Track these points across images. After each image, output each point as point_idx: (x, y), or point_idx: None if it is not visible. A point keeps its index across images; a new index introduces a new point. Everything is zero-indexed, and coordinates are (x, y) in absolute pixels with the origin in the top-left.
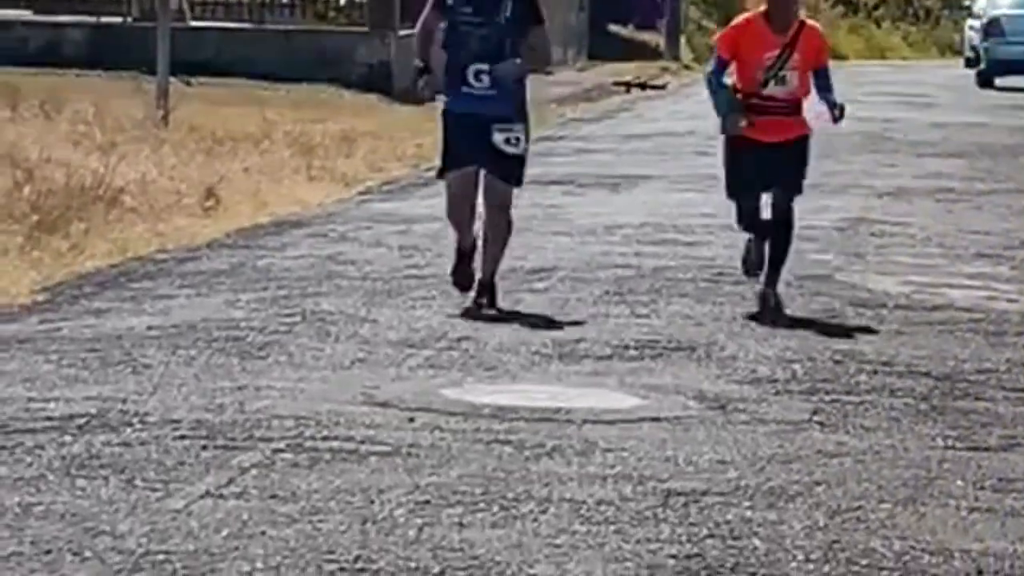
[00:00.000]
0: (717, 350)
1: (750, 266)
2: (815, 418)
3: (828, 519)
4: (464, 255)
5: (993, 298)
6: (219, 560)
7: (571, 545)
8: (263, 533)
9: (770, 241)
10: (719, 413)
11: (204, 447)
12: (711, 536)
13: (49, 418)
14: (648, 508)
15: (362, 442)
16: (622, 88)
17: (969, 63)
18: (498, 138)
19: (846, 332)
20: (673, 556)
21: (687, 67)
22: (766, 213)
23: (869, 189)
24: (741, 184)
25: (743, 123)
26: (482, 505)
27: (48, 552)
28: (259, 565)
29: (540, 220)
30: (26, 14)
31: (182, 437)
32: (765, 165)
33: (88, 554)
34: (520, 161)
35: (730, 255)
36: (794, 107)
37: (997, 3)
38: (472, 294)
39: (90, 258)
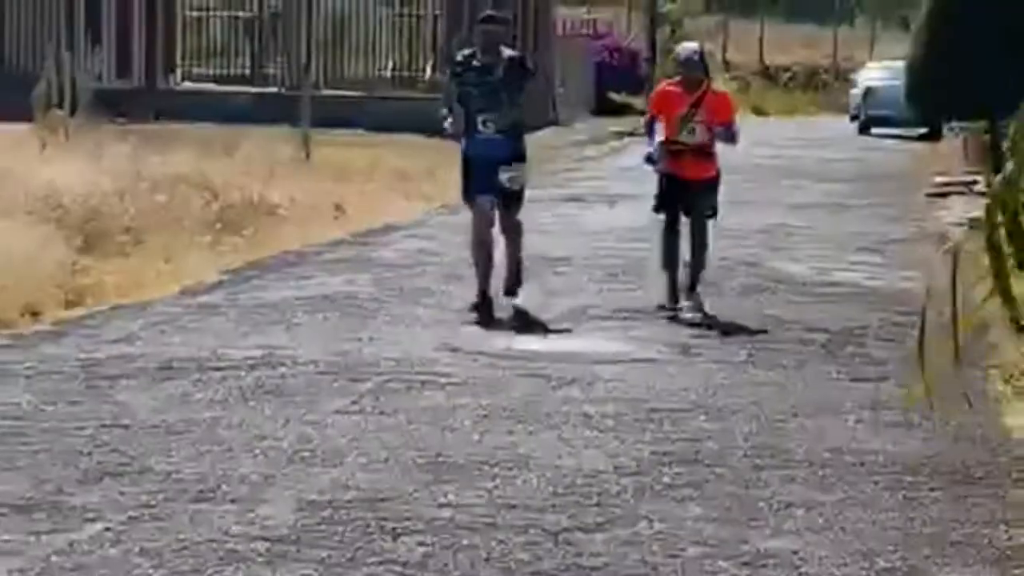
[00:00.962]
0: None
1: (672, 311)
2: (750, 359)
3: (759, 428)
4: (485, 297)
5: (869, 278)
6: (346, 455)
7: (583, 445)
8: (376, 437)
9: (691, 257)
10: (683, 356)
11: (334, 379)
12: (679, 440)
13: (231, 359)
14: (635, 420)
15: (440, 376)
16: (620, 134)
17: (853, 118)
18: (503, 177)
19: (770, 301)
20: (653, 452)
21: None
22: (684, 252)
23: (784, 204)
24: (664, 205)
25: (665, 162)
26: (523, 418)
27: (230, 450)
28: (373, 457)
29: (560, 225)
30: (211, 86)
31: (320, 372)
32: (683, 195)
33: (257, 451)
34: (520, 194)
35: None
36: (704, 153)
37: (871, 77)
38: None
39: (257, 251)
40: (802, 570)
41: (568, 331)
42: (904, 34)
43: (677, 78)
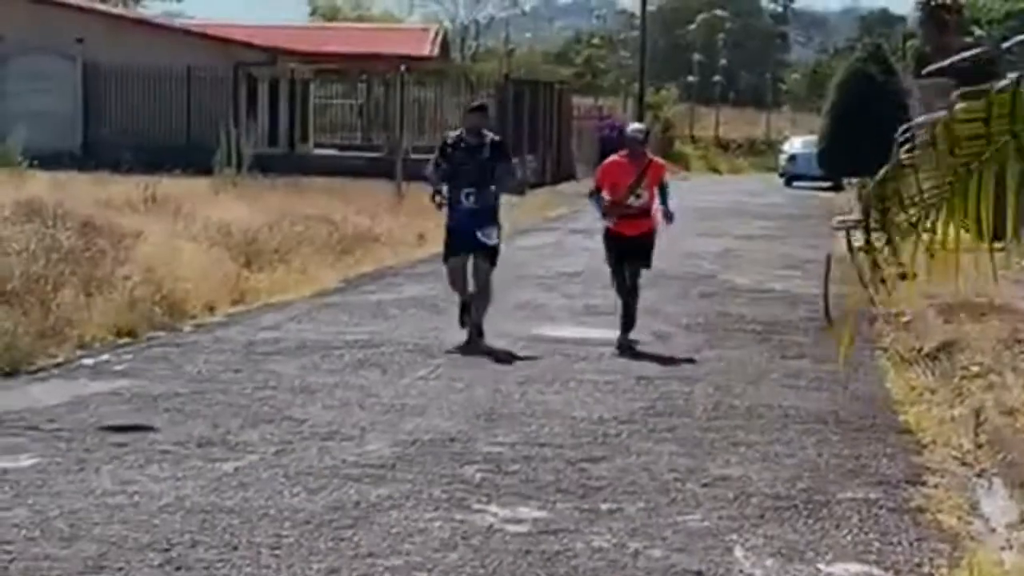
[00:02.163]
0: (661, 311)
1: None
2: (708, 343)
3: (715, 391)
4: (465, 305)
5: (792, 287)
6: (427, 408)
7: (593, 400)
8: (447, 395)
9: (622, 305)
10: (662, 341)
11: (419, 355)
12: (659, 399)
13: (345, 341)
14: (628, 385)
15: (491, 354)
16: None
17: (780, 176)
18: (479, 234)
19: (722, 302)
20: (640, 407)
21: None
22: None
23: (731, 235)
24: (612, 258)
25: (611, 222)
26: (550, 382)
27: (346, 404)
28: (445, 412)
29: (572, 248)
30: (334, 151)
31: (408, 351)
32: (625, 248)
33: (364, 405)
34: (495, 250)
35: (665, 267)
36: (644, 212)
37: (793, 147)
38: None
39: (364, 267)
40: (746, 489)
41: (581, 322)
42: (815, 117)
43: (625, 152)
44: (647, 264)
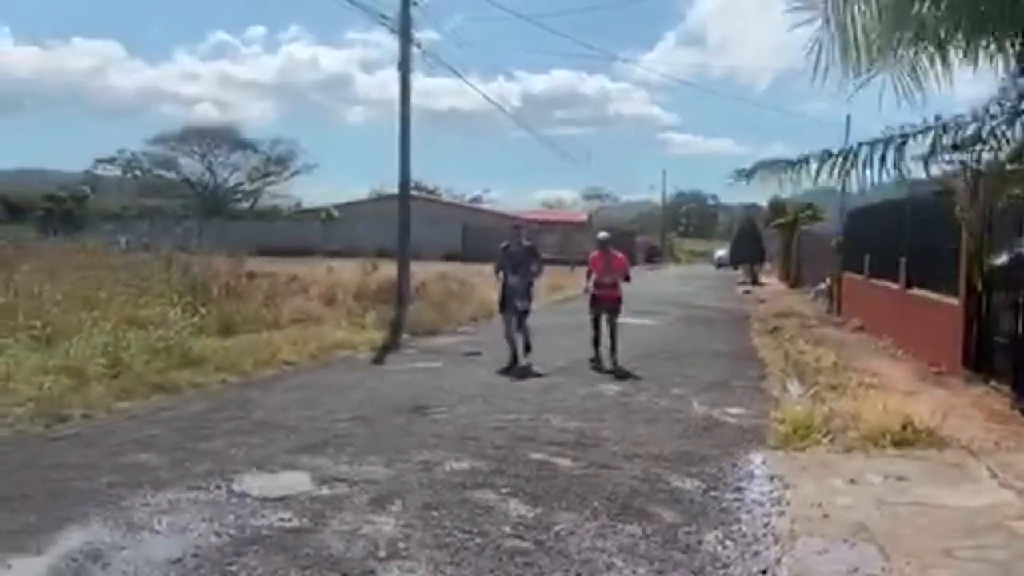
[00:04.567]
0: (667, 312)
1: (595, 365)
2: (685, 325)
3: (688, 343)
4: (514, 360)
5: (722, 305)
6: (502, 393)
7: (636, 343)
8: (518, 391)
9: (610, 341)
10: (666, 324)
11: (497, 364)
12: (662, 347)
13: (455, 351)
14: (652, 340)
15: (549, 366)
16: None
17: (715, 265)
18: (518, 303)
19: (689, 310)
20: (655, 349)
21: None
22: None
23: (685, 288)
24: (593, 313)
25: (594, 290)
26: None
27: (456, 385)
28: (514, 398)
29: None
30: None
31: (495, 358)
32: (602, 307)
33: (471, 384)
34: (526, 312)
35: (666, 298)
36: (614, 287)
37: (719, 252)
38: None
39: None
40: (698, 379)
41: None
42: (727, 241)
43: (598, 250)
44: (617, 314)
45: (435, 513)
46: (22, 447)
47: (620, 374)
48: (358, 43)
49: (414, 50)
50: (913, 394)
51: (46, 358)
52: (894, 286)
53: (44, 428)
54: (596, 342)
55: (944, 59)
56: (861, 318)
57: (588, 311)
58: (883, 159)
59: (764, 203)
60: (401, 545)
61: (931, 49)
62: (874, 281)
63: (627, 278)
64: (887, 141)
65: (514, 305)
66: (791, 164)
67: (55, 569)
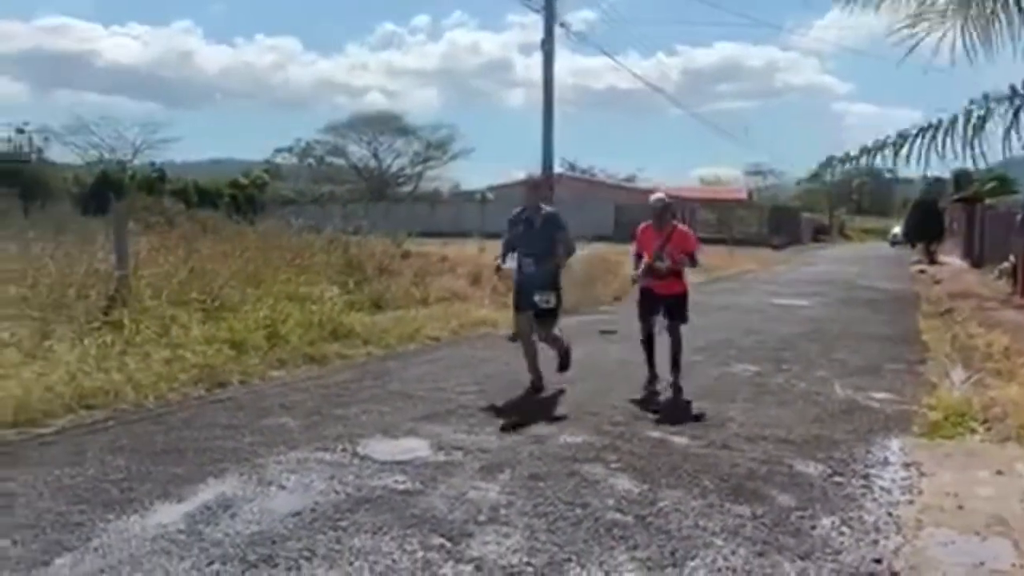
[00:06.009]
0: (828, 294)
1: (650, 390)
2: (843, 308)
3: (840, 326)
4: (537, 387)
5: (891, 286)
6: (631, 371)
7: (785, 327)
8: (641, 370)
9: (670, 351)
10: (824, 305)
11: (631, 342)
12: (814, 329)
13: (591, 329)
14: (802, 322)
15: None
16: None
17: (889, 243)
18: (536, 298)
19: (851, 291)
20: (807, 330)
21: None
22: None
23: (858, 265)
24: (642, 312)
25: (643, 280)
26: (774, 318)
27: (585, 362)
28: (641, 376)
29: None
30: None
31: (630, 335)
32: (656, 306)
33: (600, 360)
34: (550, 312)
35: (834, 278)
36: (673, 274)
37: (894, 230)
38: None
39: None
40: (845, 363)
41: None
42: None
43: (652, 221)
44: (682, 319)
45: (540, 483)
46: (183, 408)
47: (677, 412)
48: (517, 26)
49: (560, 30)
50: None
51: (213, 329)
52: None
53: (204, 392)
54: (650, 360)
55: None
56: None
57: (636, 313)
58: None
59: (948, 175)
60: (502, 511)
61: None
62: None
63: (693, 261)
64: None
65: (531, 301)
66: (870, 150)
67: (189, 515)
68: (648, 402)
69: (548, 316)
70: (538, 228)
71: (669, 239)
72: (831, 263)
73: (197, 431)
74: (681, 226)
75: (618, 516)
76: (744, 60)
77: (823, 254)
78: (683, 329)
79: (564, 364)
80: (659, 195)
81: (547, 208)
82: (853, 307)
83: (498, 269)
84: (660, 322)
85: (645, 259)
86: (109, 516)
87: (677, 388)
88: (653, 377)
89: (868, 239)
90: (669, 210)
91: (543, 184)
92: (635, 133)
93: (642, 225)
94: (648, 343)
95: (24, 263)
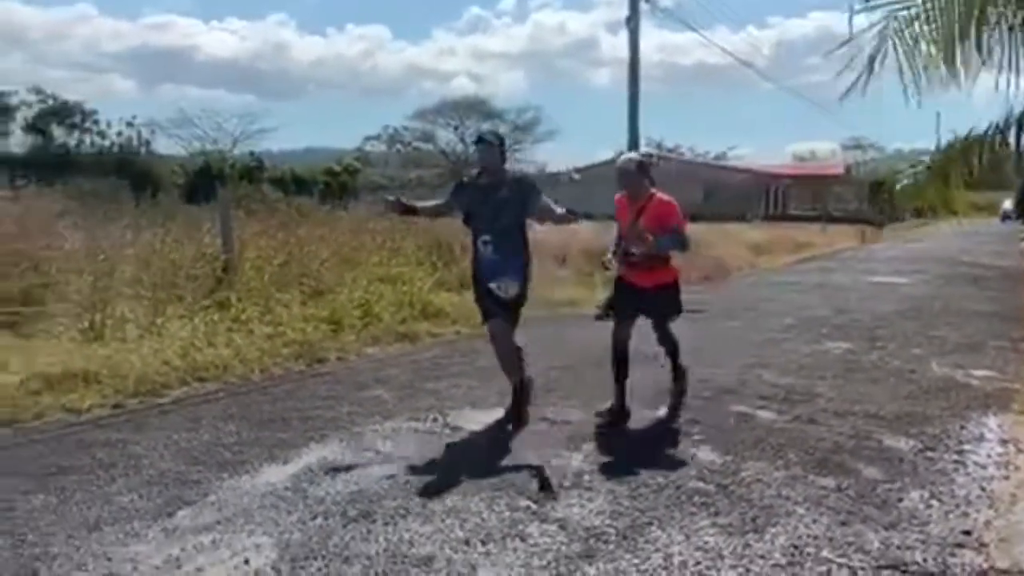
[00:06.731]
0: (928, 270)
1: (608, 418)
2: (944, 286)
3: (942, 302)
4: (517, 415)
5: (997, 262)
6: (717, 348)
7: (883, 303)
8: (729, 346)
9: (666, 354)
10: (925, 283)
11: (724, 321)
12: (911, 307)
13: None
14: (903, 299)
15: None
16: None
17: (1000, 218)
18: (492, 285)
19: (954, 268)
20: (905, 307)
21: None
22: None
23: (969, 243)
24: (617, 308)
25: (616, 268)
26: (869, 296)
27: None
28: (728, 352)
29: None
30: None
31: (720, 314)
32: (634, 300)
33: (685, 338)
34: (506, 305)
35: (940, 255)
36: (654, 264)
37: (1005, 204)
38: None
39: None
40: (944, 340)
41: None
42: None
43: (623, 191)
44: (668, 316)
45: (623, 453)
46: (286, 381)
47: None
48: (603, 4)
49: (645, 5)
50: None
51: (311, 309)
52: None
53: (305, 367)
54: (618, 375)
55: None
56: None
57: (598, 310)
58: None
59: None
60: (585, 478)
61: None
62: None
63: (683, 244)
64: None
65: (494, 295)
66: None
67: (294, 476)
68: (729, 377)
69: (504, 309)
70: (504, 199)
71: (642, 212)
72: (933, 240)
73: (299, 402)
74: (661, 194)
75: (700, 484)
76: (841, 30)
77: (924, 231)
78: (771, 307)
79: (518, 400)
80: (629, 155)
81: (511, 170)
82: (955, 284)
83: (393, 205)
84: (655, 322)
85: (620, 241)
86: (223, 475)
87: (673, 407)
88: (619, 406)
89: (979, 215)
90: (644, 173)
91: (496, 143)
92: (726, 110)
93: (617, 195)
94: (619, 362)
95: (138, 248)
